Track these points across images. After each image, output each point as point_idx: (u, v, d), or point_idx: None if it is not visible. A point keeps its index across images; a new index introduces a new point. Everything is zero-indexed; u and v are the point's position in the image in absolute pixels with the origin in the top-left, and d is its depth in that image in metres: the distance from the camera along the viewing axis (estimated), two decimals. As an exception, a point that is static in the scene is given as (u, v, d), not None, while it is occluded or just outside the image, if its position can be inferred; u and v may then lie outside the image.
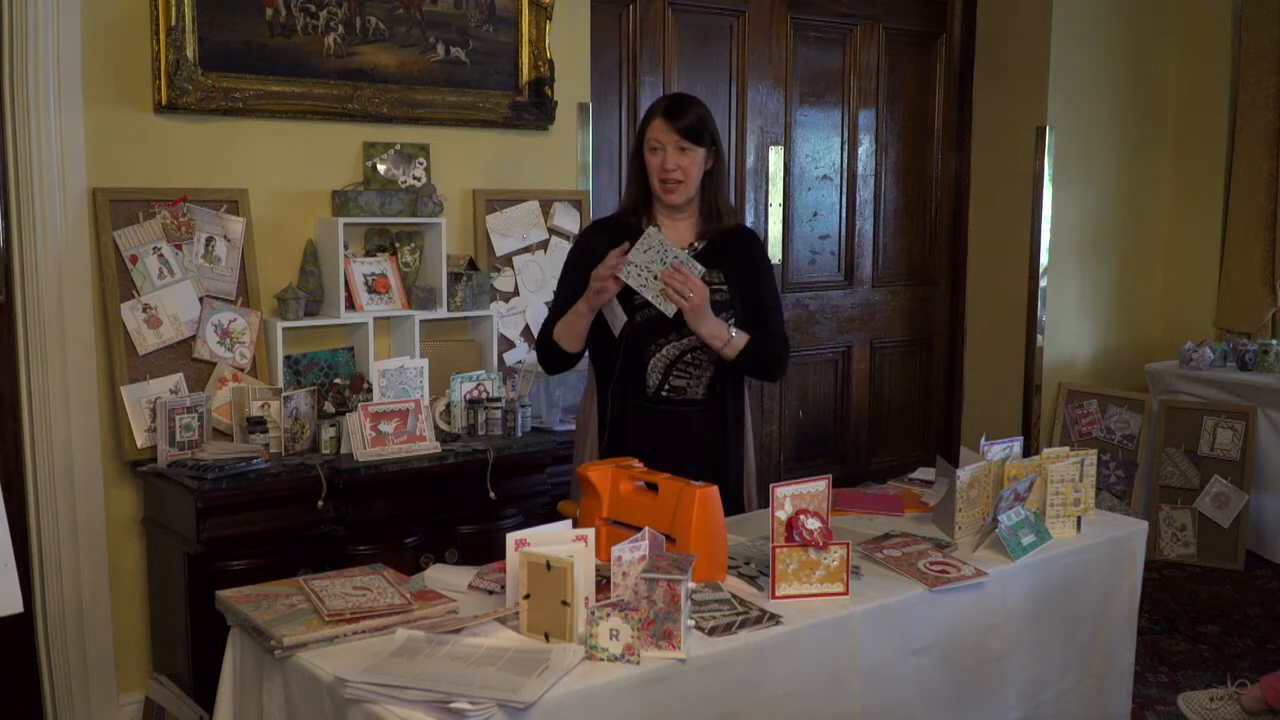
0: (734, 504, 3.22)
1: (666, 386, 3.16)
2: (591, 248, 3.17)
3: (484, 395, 4.07)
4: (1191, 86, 6.58)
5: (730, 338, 3.09)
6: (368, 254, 4.07)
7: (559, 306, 3.21)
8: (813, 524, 2.52)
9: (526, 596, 2.24)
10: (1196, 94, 6.56)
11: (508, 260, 4.39)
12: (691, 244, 3.20)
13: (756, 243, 3.35)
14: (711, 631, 2.31)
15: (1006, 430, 5.64)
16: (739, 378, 3.26)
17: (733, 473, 3.25)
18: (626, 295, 3.06)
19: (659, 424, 3.14)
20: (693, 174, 3.12)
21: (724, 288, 3.18)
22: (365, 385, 3.87)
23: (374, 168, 4.06)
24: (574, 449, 3.42)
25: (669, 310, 3.01)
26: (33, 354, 3.51)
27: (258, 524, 3.46)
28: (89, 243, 3.57)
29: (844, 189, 5.92)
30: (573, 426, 4.01)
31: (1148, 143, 6.57)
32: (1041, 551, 2.87)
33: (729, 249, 3.22)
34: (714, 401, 3.21)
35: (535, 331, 4.39)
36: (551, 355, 3.21)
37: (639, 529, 2.39)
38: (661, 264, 2.96)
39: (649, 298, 3.00)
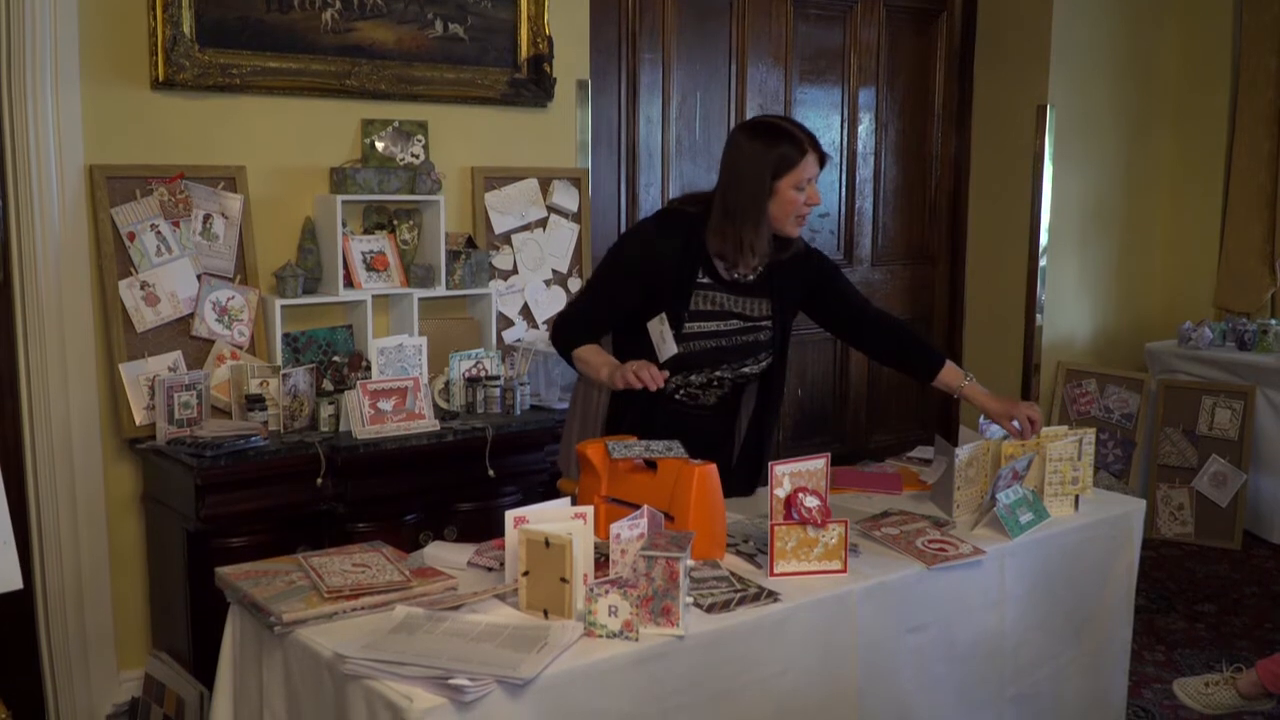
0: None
1: (681, 392, 3.13)
2: (658, 260, 3.04)
3: (483, 373, 4.06)
4: (1192, 65, 6.56)
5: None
6: (366, 231, 4.06)
7: (599, 311, 3.10)
8: (811, 502, 2.52)
9: (525, 573, 2.24)
10: (1197, 73, 6.54)
11: (506, 238, 4.38)
12: (755, 268, 3.10)
13: (812, 258, 3.23)
14: (710, 609, 2.32)
15: (1005, 409, 5.63)
16: (763, 390, 3.23)
17: (729, 459, 3.23)
18: (678, 323, 3.02)
19: (667, 421, 3.05)
20: None
21: (767, 322, 3.14)
22: (364, 363, 3.87)
23: (372, 145, 4.05)
24: (565, 426, 3.37)
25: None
26: (31, 331, 3.50)
27: (257, 501, 3.46)
28: (86, 220, 3.57)
29: (844, 167, 5.91)
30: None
31: (1148, 122, 6.56)
32: (1039, 530, 2.88)
33: (786, 277, 3.15)
34: (721, 407, 3.19)
35: (534, 310, 4.39)
36: (560, 351, 3.12)
37: (638, 507, 2.40)
38: None
39: None
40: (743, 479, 3.25)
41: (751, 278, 3.12)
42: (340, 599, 2.24)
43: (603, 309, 3.12)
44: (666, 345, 3.03)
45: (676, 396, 3.14)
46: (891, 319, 3.37)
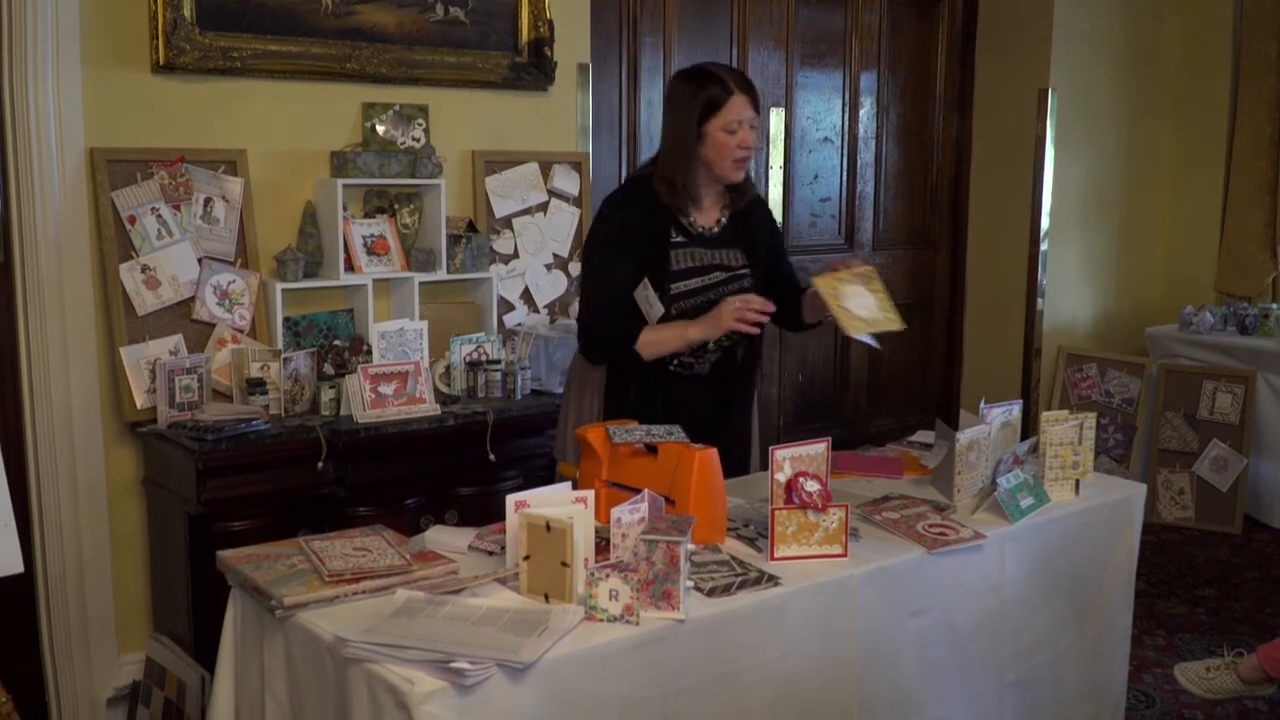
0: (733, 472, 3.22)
1: (675, 362, 3.15)
2: (630, 226, 3.07)
3: (483, 358, 4.06)
4: (1194, 51, 6.55)
5: None
6: (366, 215, 4.05)
7: (620, 294, 3.06)
8: (812, 486, 2.52)
9: (526, 558, 2.24)
10: (1199, 58, 6.53)
11: (507, 222, 4.38)
12: (718, 220, 3.16)
13: (766, 206, 3.35)
14: (710, 592, 2.32)
15: (1006, 394, 5.63)
16: (746, 356, 3.24)
17: (730, 441, 3.23)
18: (662, 285, 3.03)
19: (665, 395, 3.11)
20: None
21: (746, 270, 3.18)
22: (365, 347, 3.87)
23: (373, 128, 4.04)
24: (560, 412, 3.37)
25: (875, 342, 3.04)
26: (32, 315, 3.50)
27: (258, 485, 3.46)
28: (87, 203, 3.56)
29: (845, 152, 5.90)
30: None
31: (1150, 107, 6.55)
32: (1040, 514, 2.88)
33: (749, 220, 3.19)
34: (716, 378, 3.21)
35: (534, 295, 4.39)
36: (615, 354, 3.10)
37: (638, 491, 2.40)
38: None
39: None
40: (739, 456, 3.27)
41: (717, 230, 3.15)
42: (341, 583, 2.24)
43: (622, 293, 3.07)
44: (654, 309, 3.05)
45: (671, 368, 3.14)
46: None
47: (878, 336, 3.02)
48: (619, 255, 3.08)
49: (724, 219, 3.18)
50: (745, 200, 3.20)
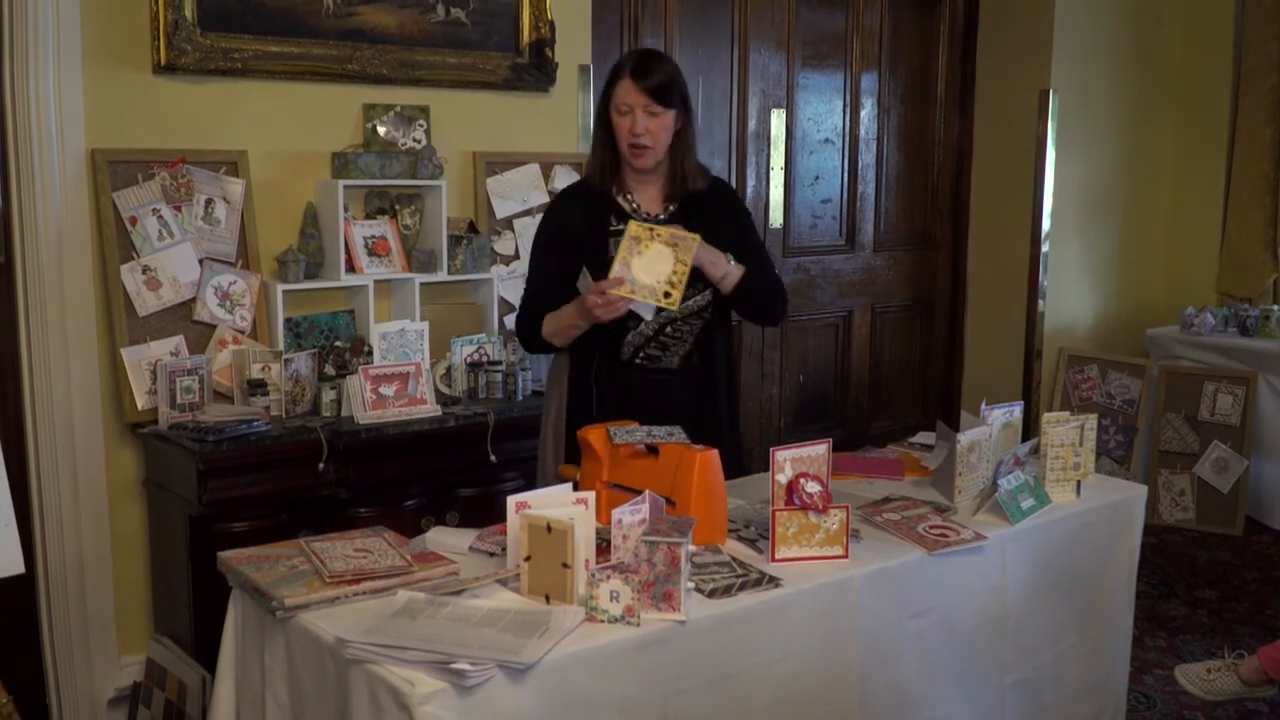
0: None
1: (641, 355, 3.11)
2: (566, 223, 3.11)
3: (484, 358, 4.06)
4: (1195, 51, 6.55)
5: (729, 268, 3.04)
6: (368, 216, 4.06)
7: (543, 288, 3.12)
8: (813, 487, 2.52)
9: (527, 559, 2.25)
10: (1200, 58, 6.53)
11: (508, 223, 4.38)
12: (666, 206, 3.14)
13: (730, 195, 3.29)
14: (711, 594, 2.32)
15: (1007, 395, 5.63)
16: (722, 348, 3.20)
17: (718, 442, 3.18)
18: (604, 271, 3.00)
19: (634, 391, 3.07)
20: (662, 138, 3.01)
21: None
22: (365, 348, 3.87)
23: (374, 129, 4.04)
24: (542, 415, 3.34)
25: (649, 314, 2.99)
26: (33, 315, 3.50)
27: (259, 486, 3.46)
28: (88, 204, 3.56)
29: (846, 153, 5.89)
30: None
31: (1151, 107, 6.55)
32: (1041, 515, 2.88)
33: (702, 210, 3.13)
34: (690, 372, 3.16)
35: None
36: (536, 344, 3.16)
37: (639, 492, 2.40)
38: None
39: (644, 313, 2.98)
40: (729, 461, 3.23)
41: (664, 217, 3.12)
42: (342, 584, 2.24)
43: (550, 290, 3.10)
44: None
45: (637, 360, 3.11)
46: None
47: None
48: (549, 250, 3.12)
49: (673, 206, 3.13)
50: (688, 188, 3.11)
